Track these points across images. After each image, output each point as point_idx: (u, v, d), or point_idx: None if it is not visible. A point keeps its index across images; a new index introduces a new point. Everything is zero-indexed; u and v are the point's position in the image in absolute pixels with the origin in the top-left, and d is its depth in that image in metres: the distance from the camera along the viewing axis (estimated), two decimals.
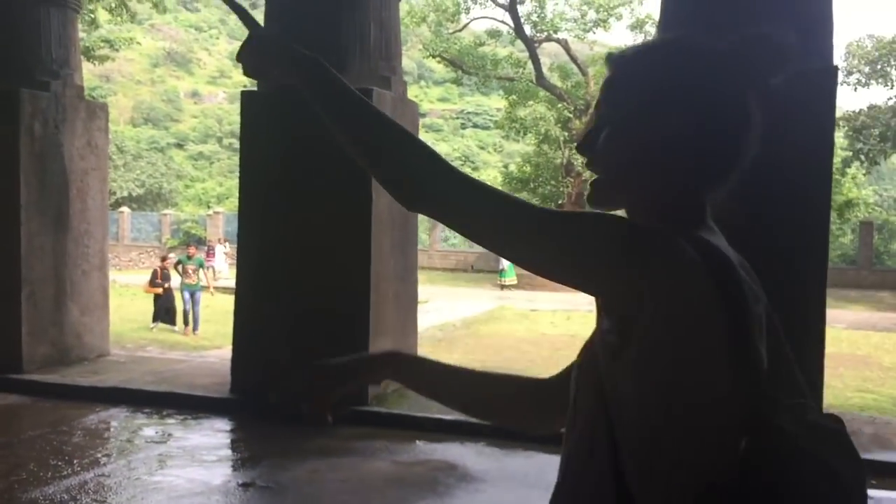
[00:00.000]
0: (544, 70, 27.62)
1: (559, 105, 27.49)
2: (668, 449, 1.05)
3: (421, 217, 5.65)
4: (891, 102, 27.24)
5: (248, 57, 1.25)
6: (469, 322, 16.13)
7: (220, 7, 76.42)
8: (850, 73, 27.46)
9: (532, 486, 4.95)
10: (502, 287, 25.04)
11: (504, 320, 16.96)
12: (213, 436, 6.14)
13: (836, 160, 23.12)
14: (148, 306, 16.71)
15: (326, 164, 6.37)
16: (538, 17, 27.07)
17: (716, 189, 1.16)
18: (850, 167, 27.51)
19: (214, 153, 58.21)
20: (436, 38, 27.76)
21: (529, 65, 27.88)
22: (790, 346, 1.18)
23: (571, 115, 27.34)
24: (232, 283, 21.61)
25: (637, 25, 27.68)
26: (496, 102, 65.63)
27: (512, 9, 26.18)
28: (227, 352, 11.07)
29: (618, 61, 1.19)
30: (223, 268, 25.48)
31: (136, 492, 4.81)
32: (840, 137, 25.38)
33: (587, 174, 24.41)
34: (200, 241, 30.29)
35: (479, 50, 28.32)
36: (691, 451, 1.04)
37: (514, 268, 25.47)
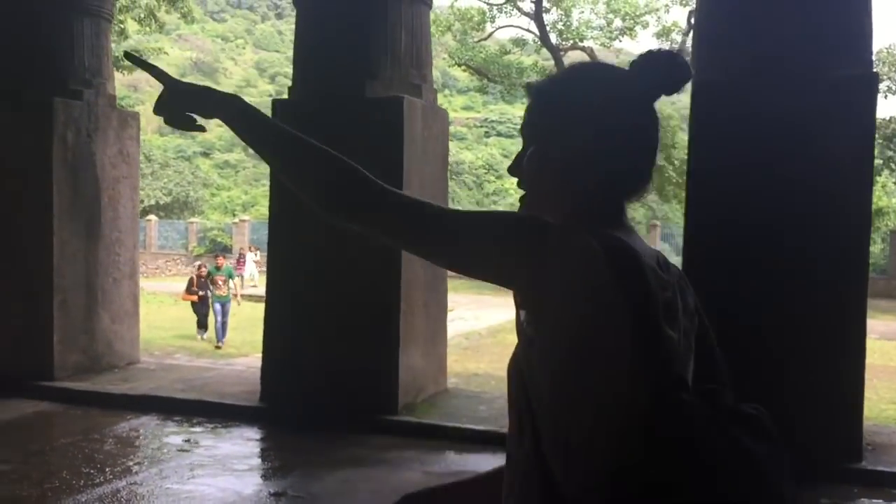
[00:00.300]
0: None
1: None
2: (578, 432, 1.11)
3: None
4: None
5: (164, 109, 1.36)
6: (495, 330, 16.04)
7: (247, 17, 77.17)
8: (880, 81, 27.15)
9: None
10: None
11: None
12: (244, 444, 6.13)
13: None
14: (176, 313, 16.82)
15: None
16: (564, 25, 26.99)
17: (624, 195, 1.32)
18: (879, 175, 27.12)
19: (240, 162, 58.57)
20: (461, 46, 27.77)
21: (555, 73, 27.79)
22: (715, 337, 1.32)
23: None
24: (258, 290, 21.67)
25: (663, 33, 27.52)
26: (520, 111, 65.07)
27: (538, 17, 26.14)
28: (253, 360, 11.10)
29: (533, 89, 1.35)
30: (254, 274, 25.66)
31: (169, 500, 4.80)
32: None
33: None
34: (226, 249, 30.50)
35: (504, 58, 28.27)
36: (601, 434, 1.10)
37: None
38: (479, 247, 1.18)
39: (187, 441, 6.04)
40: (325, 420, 6.22)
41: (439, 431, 6.20)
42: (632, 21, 27.18)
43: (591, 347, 1.11)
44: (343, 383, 6.36)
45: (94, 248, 7.71)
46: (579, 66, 1.39)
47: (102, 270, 7.81)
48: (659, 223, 32.52)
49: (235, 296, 15.18)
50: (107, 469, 5.32)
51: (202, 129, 1.42)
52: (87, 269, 7.65)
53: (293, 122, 6.76)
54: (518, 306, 1.22)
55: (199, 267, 15.54)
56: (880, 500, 5.08)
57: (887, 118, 26.45)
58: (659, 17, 27.68)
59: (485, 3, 27.46)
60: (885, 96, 28.50)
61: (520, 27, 29.13)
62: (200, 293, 14.57)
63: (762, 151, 5.44)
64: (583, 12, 27.22)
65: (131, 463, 5.57)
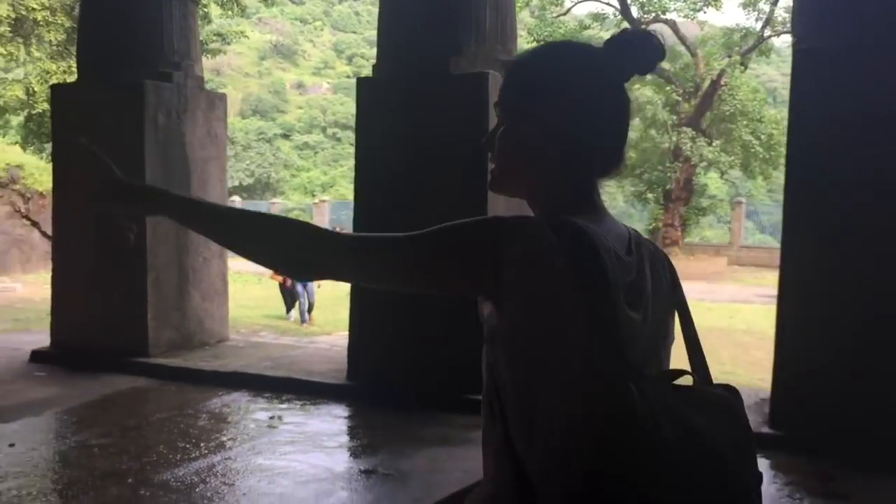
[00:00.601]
0: None
1: (667, 88, 26.71)
2: (539, 417, 1.17)
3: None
4: None
5: (102, 202, 1.37)
6: None
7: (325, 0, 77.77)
8: None
9: None
10: None
11: None
12: (332, 422, 6.17)
13: None
14: (260, 292, 17.17)
15: (444, 152, 6.28)
16: None
17: (595, 174, 1.34)
18: None
19: (319, 143, 59.38)
20: (540, 23, 27.36)
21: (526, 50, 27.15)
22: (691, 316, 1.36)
23: (680, 98, 26.53)
24: None
25: (750, 3, 26.55)
26: None
27: None
28: (336, 338, 11.24)
29: (509, 66, 1.38)
30: None
31: (263, 476, 4.86)
32: None
33: (696, 158, 23.57)
34: None
35: (583, 34, 27.75)
36: (557, 419, 1.15)
37: None
38: (437, 260, 1.22)
39: (277, 418, 6.11)
40: (410, 398, 6.22)
41: None
42: None
43: (548, 334, 1.15)
44: (428, 362, 6.33)
45: (184, 228, 7.84)
46: (551, 43, 1.42)
47: (193, 250, 7.97)
48: (743, 200, 31.54)
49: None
50: (201, 444, 5.43)
51: (130, 243, 1.45)
52: (179, 249, 7.82)
53: (378, 99, 6.70)
54: (482, 301, 1.27)
55: None
56: None
57: None
58: None
59: None
60: None
61: (600, 1, 28.52)
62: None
63: (866, 125, 5.14)
64: None
65: (224, 438, 5.67)
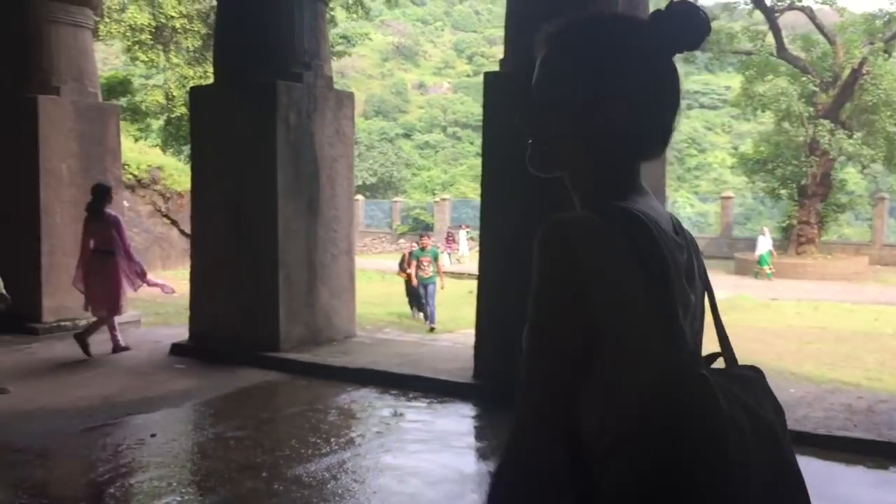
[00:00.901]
0: (785, 41, 25.55)
1: (802, 78, 25.33)
2: (609, 403, 1.15)
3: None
4: None
5: None
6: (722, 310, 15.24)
7: (445, 0, 78.42)
8: None
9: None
10: (757, 275, 23.47)
11: (743, 310, 15.88)
12: (460, 421, 6.10)
13: None
14: (384, 289, 17.42)
15: None
16: None
17: (646, 157, 1.29)
18: None
19: (439, 142, 59.95)
20: None
21: (768, 37, 25.90)
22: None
23: (816, 89, 25.12)
24: (463, 268, 21.93)
25: None
26: (725, 80, 62.13)
27: None
28: (459, 336, 11.22)
29: (554, 39, 1.28)
30: (465, 252, 26.24)
31: (393, 474, 4.83)
32: None
33: (834, 152, 22.28)
34: (428, 228, 31.27)
35: (712, 24, 26.73)
36: (631, 404, 1.13)
37: (770, 256, 23.94)
38: (571, 333, 1.17)
39: (405, 415, 6.10)
40: None
41: None
42: None
43: (619, 320, 1.14)
44: None
45: (313, 225, 8.00)
46: (594, 14, 1.31)
47: (322, 247, 8.09)
48: (886, 196, 29.56)
49: (441, 280, 14.52)
50: (332, 439, 5.47)
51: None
52: (308, 246, 7.95)
53: (506, 94, 6.57)
54: None
55: (422, 237, 15.37)
56: None
57: None
58: None
59: None
60: None
61: None
62: (409, 271, 14.68)
63: None
64: None
65: (354, 434, 5.69)
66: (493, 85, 6.68)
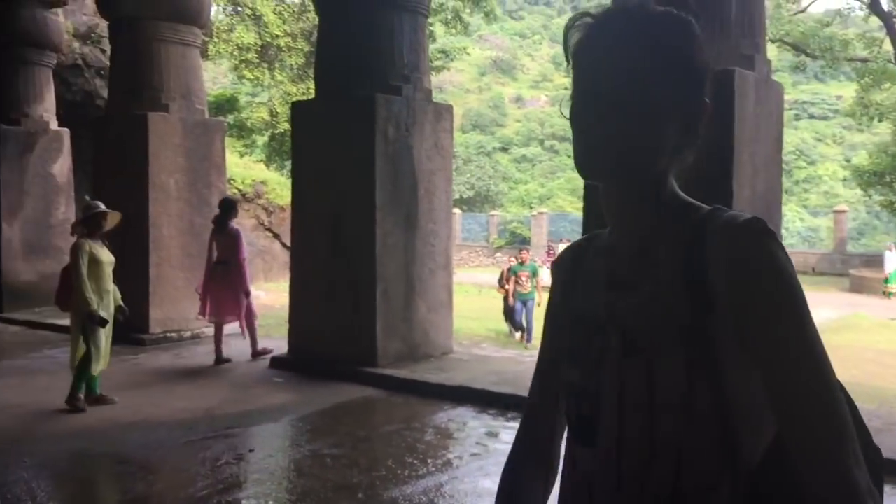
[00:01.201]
0: None
1: None
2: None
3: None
4: None
5: None
6: (819, 330, 14.43)
7: (543, 13, 78.22)
8: None
9: None
10: (885, 293, 22.18)
11: (860, 329, 14.96)
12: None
13: None
14: (481, 303, 17.23)
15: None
16: None
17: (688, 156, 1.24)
18: None
19: (536, 155, 59.57)
20: (776, 21, 25.54)
21: (885, 43, 24.61)
22: None
23: None
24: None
25: None
26: (835, 90, 59.53)
27: None
28: None
29: (597, 30, 1.18)
30: None
31: (492, 500, 4.63)
32: None
33: None
34: (525, 241, 30.99)
35: (825, 31, 25.56)
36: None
37: None
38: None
39: (504, 436, 5.89)
40: None
41: None
42: None
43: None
44: None
45: (411, 239, 7.91)
46: (641, 3, 1.18)
47: (419, 261, 7.99)
48: None
49: (539, 297, 13.92)
50: (429, 460, 5.31)
51: None
52: (406, 260, 7.86)
53: None
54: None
55: (522, 252, 14.99)
56: None
57: None
58: None
59: None
60: None
61: None
62: (506, 287, 14.34)
63: None
64: None
65: (451, 455, 5.52)
66: None
